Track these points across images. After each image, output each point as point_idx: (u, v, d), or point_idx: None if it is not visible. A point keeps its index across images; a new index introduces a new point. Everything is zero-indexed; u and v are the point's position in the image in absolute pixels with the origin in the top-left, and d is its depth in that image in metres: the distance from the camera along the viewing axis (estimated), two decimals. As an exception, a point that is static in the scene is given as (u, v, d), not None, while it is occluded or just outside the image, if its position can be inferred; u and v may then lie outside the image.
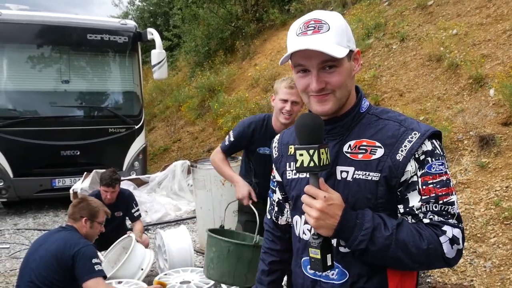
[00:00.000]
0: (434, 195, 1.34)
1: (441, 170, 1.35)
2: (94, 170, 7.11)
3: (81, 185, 6.96)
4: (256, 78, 11.46)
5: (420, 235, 1.30)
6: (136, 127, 8.62)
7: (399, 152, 1.35)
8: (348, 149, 1.43)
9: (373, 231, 1.30)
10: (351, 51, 1.40)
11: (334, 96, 1.40)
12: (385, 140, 1.39)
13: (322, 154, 1.28)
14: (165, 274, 4.51)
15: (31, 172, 7.78)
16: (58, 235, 3.30)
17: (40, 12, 8.56)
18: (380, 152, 1.38)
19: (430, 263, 1.34)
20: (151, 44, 9.03)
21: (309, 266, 1.42)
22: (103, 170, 5.13)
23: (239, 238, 3.22)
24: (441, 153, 1.38)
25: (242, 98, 10.65)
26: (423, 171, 1.35)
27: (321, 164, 1.28)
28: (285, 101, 3.08)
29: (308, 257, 1.37)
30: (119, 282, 4.16)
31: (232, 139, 3.33)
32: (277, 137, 1.74)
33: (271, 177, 1.79)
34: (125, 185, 7.30)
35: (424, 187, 1.34)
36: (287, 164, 1.61)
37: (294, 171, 1.56)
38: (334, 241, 1.41)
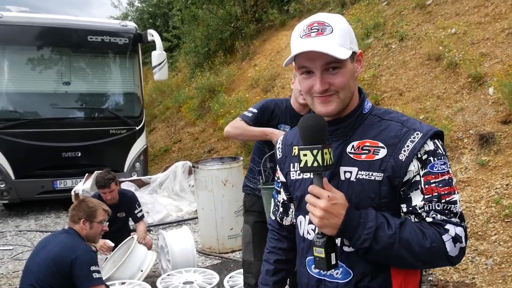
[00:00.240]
0: (436, 194, 1.35)
1: (443, 169, 1.37)
2: (96, 172, 7.13)
3: (83, 186, 6.98)
4: (256, 79, 11.48)
5: (423, 234, 1.31)
6: (137, 128, 8.65)
7: (402, 152, 1.37)
8: (351, 149, 1.45)
9: (377, 230, 1.32)
10: (354, 53, 1.42)
11: (338, 97, 1.42)
12: (388, 141, 1.40)
13: (326, 154, 1.30)
14: (168, 275, 4.54)
15: (33, 173, 7.80)
16: (59, 239, 3.29)
17: (40, 14, 8.58)
18: (383, 153, 1.39)
19: (433, 261, 1.36)
20: (151, 45, 9.05)
21: (313, 266, 1.43)
22: (100, 172, 5.14)
23: None
24: (443, 153, 1.40)
25: (242, 99, 10.67)
26: (426, 170, 1.36)
27: (325, 164, 1.30)
28: None
29: (312, 257, 1.38)
30: (122, 283, 4.18)
31: (255, 110, 3.17)
32: (280, 138, 1.75)
33: (276, 178, 1.80)
34: (127, 186, 7.33)
35: (426, 186, 1.36)
36: (291, 164, 1.62)
37: (298, 172, 1.57)
38: (338, 241, 1.42)
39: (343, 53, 1.35)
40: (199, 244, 5.88)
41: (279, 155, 1.71)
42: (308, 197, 1.36)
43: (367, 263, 1.40)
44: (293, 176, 1.61)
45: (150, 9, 20.10)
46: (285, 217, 1.76)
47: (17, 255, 5.95)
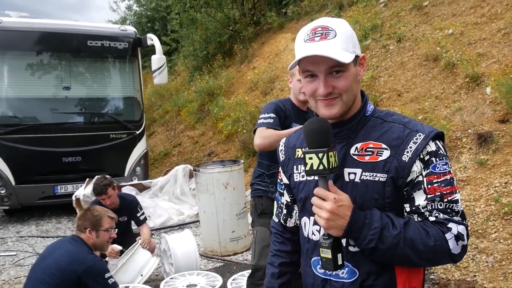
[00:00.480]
0: (439, 193, 1.38)
1: (445, 169, 1.40)
2: (97, 176, 7.15)
3: (84, 191, 6.99)
4: (255, 81, 11.52)
5: (427, 233, 1.35)
6: (137, 132, 8.66)
7: (405, 153, 1.40)
8: (355, 151, 1.48)
9: (382, 230, 1.35)
10: (356, 56, 1.45)
11: (341, 100, 1.45)
12: (390, 142, 1.43)
13: (331, 157, 1.33)
14: (171, 278, 4.56)
15: (33, 179, 7.79)
16: (67, 248, 3.27)
17: (40, 19, 8.60)
18: (386, 154, 1.42)
19: (436, 259, 1.39)
20: (149, 49, 9.07)
21: (319, 266, 1.46)
22: (96, 178, 5.14)
23: None
24: (445, 153, 1.43)
25: (241, 102, 10.71)
26: (428, 171, 1.39)
27: (330, 167, 1.33)
28: None
29: (318, 257, 1.42)
30: (126, 287, 4.20)
31: (273, 115, 3.10)
32: (283, 140, 1.77)
33: (278, 180, 1.82)
34: (127, 190, 7.36)
35: (429, 186, 1.39)
36: (295, 167, 1.65)
37: (302, 174, 1.60)
38: (343, 241, 1.44)
39: (346, 57, 1.38)
40: (201, 247, 5.90)
41: (282, 157, 1.73)
42: (314, 200, 1.39)
43: (372, 263, 1.43)
44: (296, 178, 1.63)
45: (149, 13, 20.14)
46: (289, 219, 1.79)
47: (18, 261, 5.96)
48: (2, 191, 7.65)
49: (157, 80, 8.53)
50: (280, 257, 1.81)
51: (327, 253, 1.36)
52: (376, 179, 1.42)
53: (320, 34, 1.41)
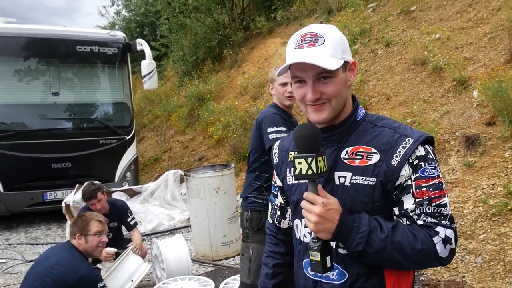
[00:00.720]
0: (427, 197, 1.40)
1: (434, 174, 1.42)
2: (86, 182, 7.11)
3: (73, 197, 6.93)
4: (244, 86, 11.55)
5: (415, 236, 1.37)
6: (127, 137, 8.64)
7: (394, 157, 1.42)
8: (345, 155, 1.50)
9: (370, 234, 1.37)
10: (346, 62, 1.47)
11: (330, 105, 1.47)
12: (380, 146, 1.45)
13: (320, 162, 1.35)
14: (163, 283, 4.56)
15: (22, 185, 7.72)
16: (61, 255, 3.26)
17: (28, 25, 8.55)
18: (376, 158, 1.44)
19: (424, 262, 1.42)
20: (139, 54, 9.07)
21: (310, 268, 1.49)
22: (84, 185, 5.14)
23: None
24: (434, 158, 1.45)
25: (231, 106, 10.73)
26: (417, 175, 1.41)
27: (319, 172, 1.35)
28: (285, 84, 3.14)
29: (309, 259, 1.43)
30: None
31: (283, 128, 3.06)
32: (277, 143, 1.80)
33: (272, 182, 1.85)
34: (118, 196, 7.33)
35: (417, 190, 1.41)
36: (287, 169, 1.67)
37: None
38: (333, 243, 1.47)
39: (333, 64, 1.40)
40: (192, 252, 5.90)
41: (276, 160, 1.76)
42: (303, 203, 1.41)
43: (362, 265, 1.45)
44: (289, 181, 1.66)
45: (138, 18, 20.09)
46: (282, 220, 1.81)
47: (7, 268, 5.90)
48: None
49: (147, 85, 8.52)
50: (274, 258, 1.84)
51: (316, 256, 1.39)
52: (366, 182, 1.44)
53: (308, 41, 1.44)
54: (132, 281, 4.34)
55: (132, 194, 7.99)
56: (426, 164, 1.42)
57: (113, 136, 8.48)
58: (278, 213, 1.82)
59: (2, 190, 7.63)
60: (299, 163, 1.37)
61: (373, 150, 1.46)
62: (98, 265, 4.54)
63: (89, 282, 3.10)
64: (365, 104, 7.66)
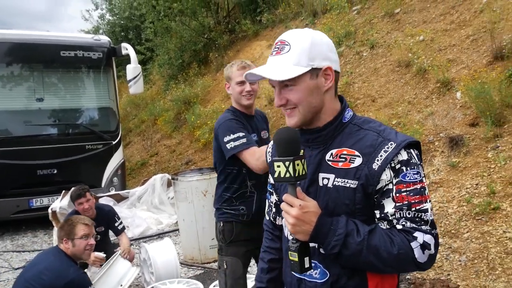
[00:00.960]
0: (406, 202, 1.41)
1: (416, 179, 1.43)
2: (72, 189, 7.07)
3: (60, 203, 6.88)
4: (231, 89, 11.54)
5: (392, 241, 1.38)
6: (114, 142, 8.60)
7: (375, 161, 1.43)
8: (330, 157, 1.52)
9: (346, 237, 1.39)
10: (316, 69, 1.48)
11: (298, 111, 1.51)
12: (363, 150, 1.46)
13: (298, 165, 1.37)
14: (152, 287, 4.56)
15: (7, 193, 7.61)
16: (49, 260, 3.26)
17: (11, 30, 8.47)
18: (358, 161, 1.46)
19: (401, 267, 1.43)
20: (124, 58, 9.03)
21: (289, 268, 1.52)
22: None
23: None
24: (417, 162, 1.46)
25: (218, 110, 10.73)
26: (398, 179, 1.42)
27: (296, 175, 1.37)
28: (243, 82, 2.95)
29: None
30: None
31: (244, 132, 2.87)
32: (271, 142, 1.82)
33: (268, 180, 1.88)
34: (105, 201, 7.30)
35: (397, 194, 1.42)
36: None
37: None
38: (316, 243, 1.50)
39: (288, 73, 1.44)
40: (181, 256, 5.90)
41: (269, 158, 1.80)
42: (283, 205, 1.44)
43: (342, 265, 1.48)
44: None
45: (122, 22, 20.00)
46: (277, 217, 1.85)
47: (-6, 276, 5.86)
48: None
49: (132, 89, 8.48)
50: (270, 254, 1.88)
51: (294, 256, 1.42)
52: (347, 185, 1.46)
53: (277, 49, 1.50)
54: (121, 285, 4.33)
55: (119, 199, 7.96)
56: (408, 168, 1.43)
57: (99, 141, 8.43)
58: (274, 210, 1.86)
59: None
60: (278, 166, 1.39)
61: (356, 153, 1.47)
62: (85, 270, 4.52)
63: (78, 286, 3.11)
64: (351, 106, 7.72)
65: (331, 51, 1.53)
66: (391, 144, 1.44)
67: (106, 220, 5.11)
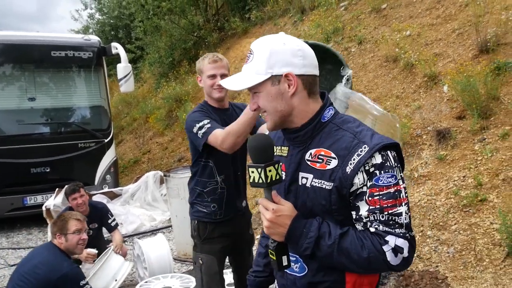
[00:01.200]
0: (379, 206, 1.42)
1: (390, 182, 1.43)
2: (66, 186, 7.12)
3: (54, 201, 6.93)
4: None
5: (363, 244, 1.42)
6: (106, 140, 8.66)
7: (349, 164, 1.45)
8: (309, 157, 1.55)
9: (318, 239, 1.45)
10: (276, 76, 1.52)
11: (270, 117, 1.58)
12: (339, 152, 1.49)
13: (270, 171, 1.42)
14: (146, 282, 4.63)
15: (2, 191, 7.68)
16: (43, 255, 3.36)
17: (2, 32, 8.50)
18: (334, 163, 1.49)
19: (373, 268, 1.46)
20: (115, 57, 9.08)
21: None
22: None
23: None
24: (393, 165, 1.46)
25: (209, 107, 10.75)
26: (371, 183, 1.43)
27: (268, 181, 1.42)
28: (214, 76, 2.92)
29: None
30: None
31: (205, 120, 2.78)
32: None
33: None
34: (98, 198, 7.36)
35: (370, 198, 1.43)
36: None
37: None
38: None
39: (248, 82, 1.54)
40: (174, 252, 5.97)
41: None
42: (260, 208, 1.52)
43: None
44: None
45: (112, 21, 19.93)
46: None
47: (-10, 273, 5.91)
48: None
49: (123, 88, 8.54)
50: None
51: (273, 255, 1.50)
52: (324, 186, 1.50)
53: (247, 58, 1.59)
54: (116, 280, 4.41)
55: (112, 196, 8.01)
56: (382, 172, 1.43)
57: (91, 139, 8.50)
58: None
59: None
60: (252, 172, 1.45)
61: (333, 155, 1.50)
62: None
63: (71, 279, 3.20)
64: (340, 101, 7.80)
65: (296, 56, 1.53)
66: (365, 148, 1.45)
67: (99, 217, 5.17)
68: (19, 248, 6.95)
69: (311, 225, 1.47)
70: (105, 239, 5.48)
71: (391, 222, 1.42)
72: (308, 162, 1.55)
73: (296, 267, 1.60)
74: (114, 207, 7.26)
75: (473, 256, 4.25)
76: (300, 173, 1.57)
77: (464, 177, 5.11)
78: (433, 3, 8.26)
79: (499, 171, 4.84)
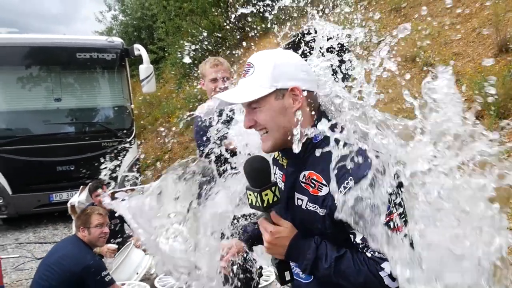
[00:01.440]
0: None
1: None
2: (90, 183, 7.32)
3: (78, 198, 7.11)
4: (242, 86, 11.67)
5: (359, 270, 1.41)
6: (128, 140, 8.87)
7: (336, 196, 1.40)
8: (303, 178, 1.53)
9: (316, 260, 1.46)
10: (281, 89, 1.45)
11: (271, 135, 1.49)
12: (328, 180, 1.42)
13: (266, 195, 1.43)
14: (165, 275, 4.76)
15: (29, 188, 7.99)
16: (68, 248, 3.58)
17: (29, 34, 8.81)
18: (325, 190, 1.46)
19: None
20: (137, 58, 9.29)
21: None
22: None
23: None
24: None
25: (230, 106, 10.85)
26: None
27: (264, 205, 1.44)
28: (215, 79, 2.96)
29: None
30: (122, 284, 4.41)
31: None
32: None
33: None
34: (120, 196, 7.53)
35: None
36: (275, 167, 1.70)
37: (277, 175, 1.68)
38: None
39: (251, 95, 1.44)
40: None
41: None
42: (260, 228, 1.53)
43: None
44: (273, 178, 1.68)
45: (134, 22, 20.18)
46: None
47: (19, 265, 6.17)
48: (0, 201, 7.82)
49: (145, 88, 8.73)
50: None
51: (275, 270, 1.58)
52: (318, 211, 1.48)
53: (245, 71, 1.50)
54: (137, 273, 4.57)
55: (134, 194, 8.17)
56: None
57: (114, 138, 8.72)
58: None
59: (10, 193, 7.91)
60: (250, 194, 1.47)
61: (324, 181, 1.46)
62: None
63: (94, 271, 3.38)
64: (358, 101, 7.82)
65: (301, 71, 1.49)
66: (350, 180, 1.37)
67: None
68: (45, 243, 7.20)
69: (309, 247, 1.48)
70: (127, 234, 5.65)
71: None
72: (302, 184, 1.53)
73: (302, 274, 1.61)
74: (136, 204, 7.41)
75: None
76: (296, 193, 1.55)
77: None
78: (453, 1, 8.24)
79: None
